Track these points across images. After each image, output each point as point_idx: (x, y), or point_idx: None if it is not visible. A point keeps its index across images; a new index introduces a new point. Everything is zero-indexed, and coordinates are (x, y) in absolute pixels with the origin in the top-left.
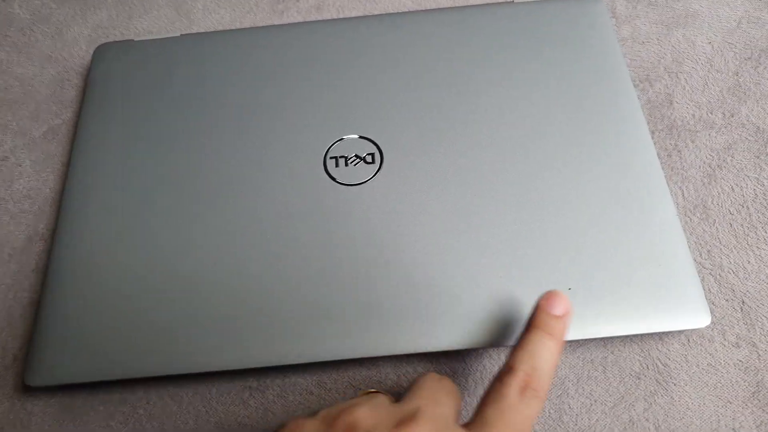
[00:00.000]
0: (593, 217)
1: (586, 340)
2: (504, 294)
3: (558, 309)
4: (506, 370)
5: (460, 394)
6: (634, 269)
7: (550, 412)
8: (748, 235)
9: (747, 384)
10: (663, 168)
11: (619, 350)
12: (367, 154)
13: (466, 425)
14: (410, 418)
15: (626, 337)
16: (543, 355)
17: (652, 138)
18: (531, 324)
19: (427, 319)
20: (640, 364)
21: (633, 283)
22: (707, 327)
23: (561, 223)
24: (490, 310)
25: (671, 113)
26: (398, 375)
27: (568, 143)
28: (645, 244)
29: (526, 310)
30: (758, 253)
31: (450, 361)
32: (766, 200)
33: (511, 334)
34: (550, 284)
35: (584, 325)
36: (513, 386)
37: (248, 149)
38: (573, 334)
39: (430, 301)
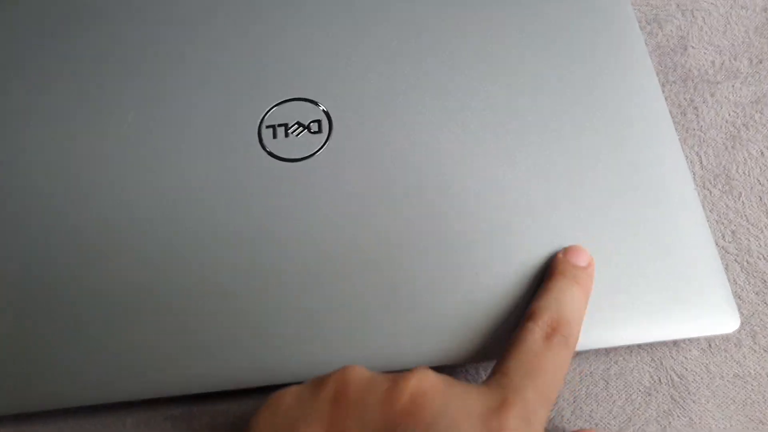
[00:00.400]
0: (588, 195)
1: (583, 350)
2: (485, 295)
3: (582, 260)
4: (528, 316)
5: None
6: (640, 260)
7: None
8: None
9: None
10: (677, 129)
11: (624, 360)
12: (313, 122)
13: (485, 382)
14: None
15: (632, 344)
16: (571, 303)
17: (663, 92)
18: (553, 272)
19: (392, 331)
20: (651, 377)
21: (640, 277)
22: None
23: (551, 204)
24: (468, 316)
25: (685, 61)
26: None
27: (560, 101)
28: (654, 227)
29: (513, 315)
30: None
31: None
32: None
33: (496, 347)
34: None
35: (585, 333)
36: (537, 332)
37: (164, 118)
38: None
39: (397, 308)
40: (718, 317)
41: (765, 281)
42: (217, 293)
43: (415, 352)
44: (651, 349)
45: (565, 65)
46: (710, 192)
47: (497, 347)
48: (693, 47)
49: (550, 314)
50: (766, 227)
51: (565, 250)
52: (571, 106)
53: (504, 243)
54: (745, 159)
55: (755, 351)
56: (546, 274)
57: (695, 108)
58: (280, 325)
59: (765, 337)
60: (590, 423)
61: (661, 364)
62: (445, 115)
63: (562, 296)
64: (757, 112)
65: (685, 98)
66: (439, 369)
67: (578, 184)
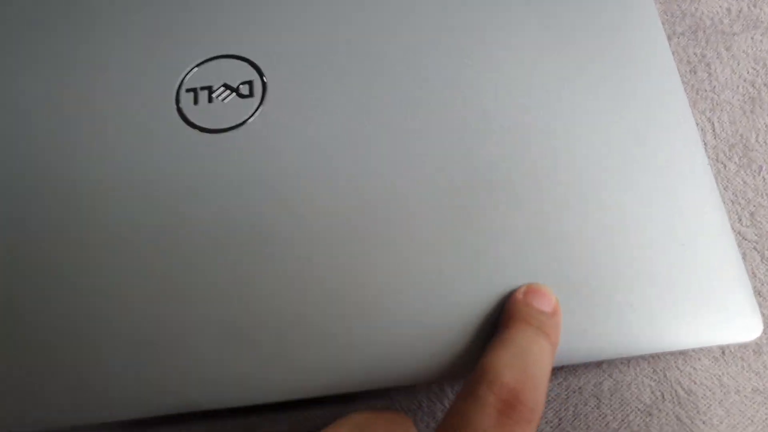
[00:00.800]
0: (578, 175)
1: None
2: (448, 296)
3: (546, 305)
4: (480, 375)
5: None
6: (641, 253)
7: None
8: None
9: None
10: (685, 90)
11: (620, 372)
12: (242, 83)
13: None
14: None
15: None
16: (537, 361)
17: (670, 46)
18: (513, 317)
19: (345, 344)
20: (653, 393)
21: (640, 274)
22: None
23: (529, 186)
24: (427, 324)
25: (696, 8)
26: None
27: (550, 56)
28: (658, 212)
29: (485, 322)
30: None
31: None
32: None
33: (464, 365)
34: (516, 281)
35: (570, 342)
36: (491, 404)
37: (69, 83)
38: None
39: (349, 313)
40: (736, 322)
41: None
42: (129, 290)
43: (368, 373)
44: (653, 358)
45: (555, 14)
46: (725, 166)
47: (466, 365)
48: None
49: (512, 376)
50: None
51: (525, 291)
52: (564, 64)
53: (471, 230)
54: (766, 125)
55: None
56: (501, 320)
57: (707, 65)
58: (204, 334)
59: None
60: None
61: (665, 376)
62: (401, 81)
63: (525, 352)
64: None
65: (695, 53)
66: (397, 390)
67: (565, 169)
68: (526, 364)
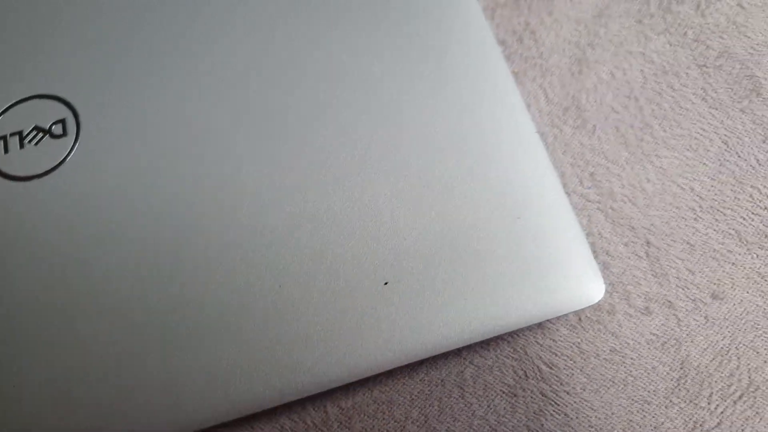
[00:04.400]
0: (406, 156)
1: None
2: (286, 313)
3: None
4: None
5: None
6: (480, 231)
7: None
8: (642, 141)
9: (668, 368)
10: (514, 59)
11: (480, 357)
12: (55, 123)
13: None
14: None
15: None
16: None
17: (493, 18)
18: None
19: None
20: (515, 373)
21: (483, 253)
22: (602, 298)
23: (358, 173)
24: (269, 346)
25: None
26: None
27: (358, 40)
28: (492, 188)
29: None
30: (659, 164)
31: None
32: (658, 84)
33: (310, 375)
34: (357, 280)
35: (419, 335)
36: None
37: None
38: (401, 355)
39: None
40: (579, 287)
41: (633, 228)
42: None
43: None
44: (511, 338)
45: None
46: (560, 130)
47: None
48: None
49: None
50: (627, 163)
51: None
52: (374, 43)
53: (303, 239)
54: (595, 85)
55: (631, 316)
56: None
57: (532, 32)
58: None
59: (640, 297)
60: None
61: (526, 353)
62: (214, 90)
63: None
64: (601, 27)
65: (519, 22)
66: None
67: (393, 144)
68: None
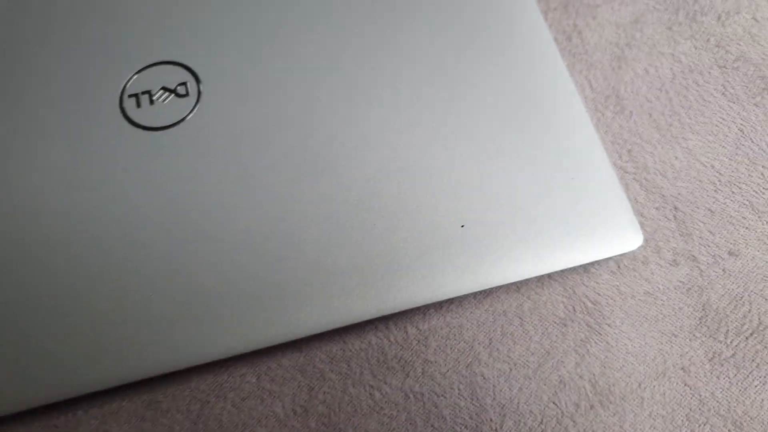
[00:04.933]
0: (481, 129)
1: (493, 288)
2: (380, 246)
3: None
4: None
5: None
6: (540, 188)
7: (460, 389)
8: (671, 125)
9: (692, 309)
10: (563, 55)
11: (536, 294)
12: (179, 84)
13: None
14: None
15: (542, 276)
16: None
17: (546, 20)
18: None
19: (285, 299)
20: (565, 308)
21: (542, 206)
22: (640, 247)
23: (442, 141)
24: (364, 272)
25: None
26: (259, 376)
27: (441, 39)
28: (550, 154)
29: (408, 258)
30: (685, 145)
31: (323, 345)
32: (685, 80)
33: (397, 297)
34: (438, 223)
35: (488, 269)
36: None
37: (16, 98)
38: (473, 284)
39: (285, 276)
40: (622, 235)
41: (663, 196)
42: (92, 279)
43: (319, 317)
44: (562, 279)
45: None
46: (603, 114)
47: (400, 296)
48: None
49: None
50: (658, 143)
51: None
52: (452, 43)
53: (396, 189)
54: (632, 78)
55: (661, 266)
56: None
57: (579, 32)
58: (155, 311)
59: (669, 251)
60: (509, 364)
61: (574, 292)
62: (320, 67)
63: None
64: (637, 31)
65: (568, 24)
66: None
67: (469, 125)
68: None
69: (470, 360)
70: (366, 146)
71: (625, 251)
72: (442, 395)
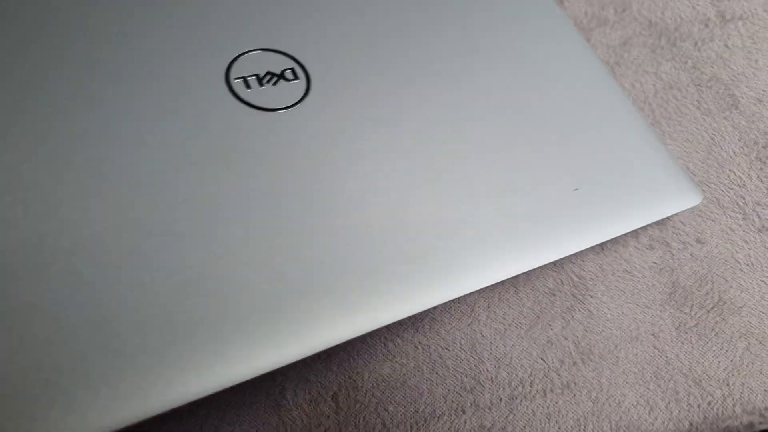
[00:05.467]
0: (557, 114)
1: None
2: (479, 228)
3: None
4: None
5: None
6: (599, 157)
7: (461, 343)
8: None
9: (663, 286)
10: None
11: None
12: (286, 69)
13: None
14: None
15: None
16: None
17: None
18: None
19: (402, 283)
20: (554, 280)
21: (606, 174)
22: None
23: (526, 144)
24: (467, 254)
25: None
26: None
27: (510, 61)
28: (611, 129)
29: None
30: None
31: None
32: (666, 95)
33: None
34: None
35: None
36: None
37: (124, 78)
38: (517, 267)
39: (396, 263)
40: (683, 194)
41: None
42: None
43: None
44: None
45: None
46: None
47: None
48: (568, 1)
49: None
50: None
51: None
52: (507, 62)
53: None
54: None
55: (639, 249)
56: None
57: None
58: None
59: (646, 237)
60: (504, 324)
61: (563, 268)
62: (421, 67)
63: None
64: (625, 52)
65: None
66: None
67: (543, 110)
68: None
69: (471, 320)
70: (458, 120)
71: (687, 207)
72: (446, 348)
